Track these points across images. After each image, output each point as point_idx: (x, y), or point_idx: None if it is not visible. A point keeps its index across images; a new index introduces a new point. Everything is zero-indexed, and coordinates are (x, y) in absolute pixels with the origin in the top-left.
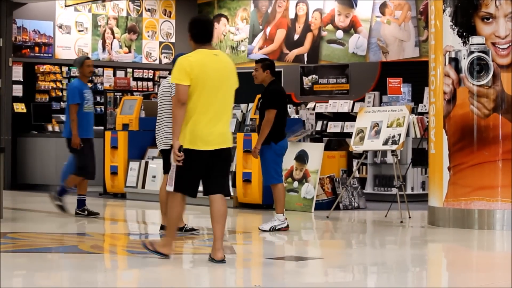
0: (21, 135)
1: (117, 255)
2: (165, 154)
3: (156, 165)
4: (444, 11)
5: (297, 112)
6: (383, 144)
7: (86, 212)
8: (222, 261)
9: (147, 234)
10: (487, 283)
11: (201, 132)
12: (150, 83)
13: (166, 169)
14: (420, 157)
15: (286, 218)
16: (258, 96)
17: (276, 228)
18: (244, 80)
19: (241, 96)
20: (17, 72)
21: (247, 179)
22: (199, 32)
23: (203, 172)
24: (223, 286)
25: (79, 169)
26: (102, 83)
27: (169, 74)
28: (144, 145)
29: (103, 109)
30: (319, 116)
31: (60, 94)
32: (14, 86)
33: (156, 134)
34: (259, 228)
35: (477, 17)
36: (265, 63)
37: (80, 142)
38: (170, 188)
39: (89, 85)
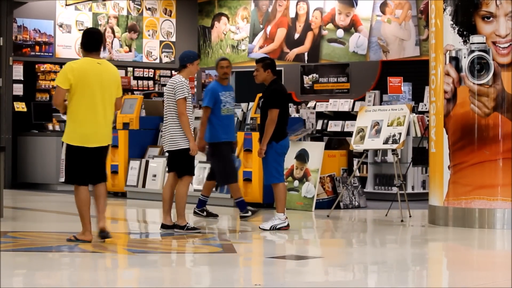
0: (21, 134)
1: (118, 254)
2: (170, 155)
3: (156, 164)
4: (444, 10)
5: (297, 111)
6: (383, 143)
7: (205, 212)
8: (104, 231)
9: (148, 233)
10: (487, 282)
11: (83, 131)
12: (151, 82)
13: (170, 168)
14: (421, 156)
15: (286, 217)
16: (259, 95)
17: (277, 227)
18: (244, 79)
19: (241, 95)
20: (18, 71)
21: (247, 178)
22: (87, 41)
23: (88, 165)
24: (224, 285)
25: (220, 174)
26: None
27: (176, 72)
28: (144, 144)
29: None
30: (320, 115)
31: None
32: (14, 85)
33: (162, 135)
34: (259, 227)
35: (478, 16)
36: (266, 62)
37: (201, 146)
38: (62, 179)
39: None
